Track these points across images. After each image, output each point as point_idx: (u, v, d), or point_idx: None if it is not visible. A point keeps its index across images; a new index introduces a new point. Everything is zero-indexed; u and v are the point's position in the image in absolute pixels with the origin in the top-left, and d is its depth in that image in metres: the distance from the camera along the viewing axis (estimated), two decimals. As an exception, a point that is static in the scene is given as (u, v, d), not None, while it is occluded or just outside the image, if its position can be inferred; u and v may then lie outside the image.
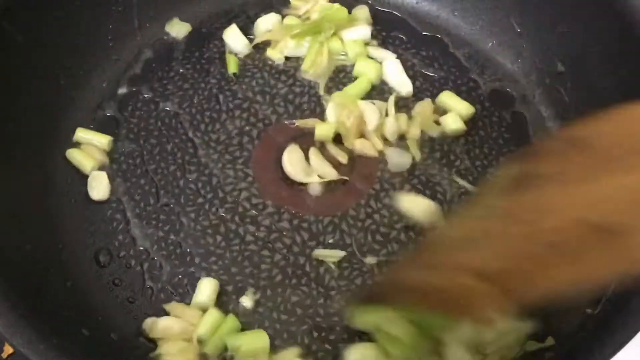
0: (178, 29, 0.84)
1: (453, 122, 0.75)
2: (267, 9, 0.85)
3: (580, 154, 0.42)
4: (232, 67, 0.80)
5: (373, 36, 0.83)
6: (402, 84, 0.79)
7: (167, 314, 0.63)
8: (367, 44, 0.82)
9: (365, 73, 0.79)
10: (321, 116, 0.76)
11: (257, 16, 0.85)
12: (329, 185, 0.71)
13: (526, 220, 0.40)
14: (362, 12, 0.84)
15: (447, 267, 0.43)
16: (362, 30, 0.82)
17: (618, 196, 0.38)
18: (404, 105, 0.78)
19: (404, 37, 0.84)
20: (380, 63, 0.80)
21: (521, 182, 0.43)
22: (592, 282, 0.39)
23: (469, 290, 0.39)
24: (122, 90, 0.79)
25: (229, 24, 0.84)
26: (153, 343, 0.62)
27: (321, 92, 0.78)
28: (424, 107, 0.76)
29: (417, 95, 0.79)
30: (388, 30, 0.85)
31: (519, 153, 0.44)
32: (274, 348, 0.62)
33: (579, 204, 0.39)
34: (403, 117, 0.75)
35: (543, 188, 0.41)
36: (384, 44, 0.83)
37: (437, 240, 0.52)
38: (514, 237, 0.40)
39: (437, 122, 0.76)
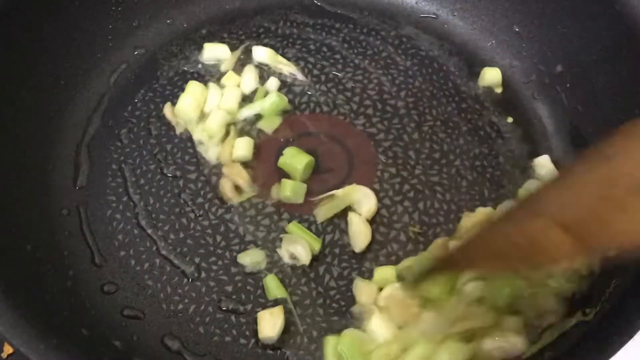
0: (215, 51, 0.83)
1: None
2: None
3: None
4: None
5: (372, 35, 0.84)
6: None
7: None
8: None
9: None
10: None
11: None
12: (329, 185, 0.72)
13: (598, 182, 0.46)
14: None
15: (527, 218, 0.48)
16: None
17: None
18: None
19: (403, 37, 0.85)
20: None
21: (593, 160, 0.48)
22: None
23: (549, 239, 0.45)
24: (123, 91, 0.79)
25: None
26: (154, 344, 0.62)
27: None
28: None
29: (417, 95, 0.79)
30: (388, 30, 0.85)
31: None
32: (274, 347, 0.62)
33: None
34: None
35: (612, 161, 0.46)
36: (383, 43, 0.83)
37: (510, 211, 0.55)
38: (589, 193, 0.46)
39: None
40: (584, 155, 0.50)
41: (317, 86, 0.79)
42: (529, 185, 0.72)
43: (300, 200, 0.70)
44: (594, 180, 0.45)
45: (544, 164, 0.73)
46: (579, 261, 0.49)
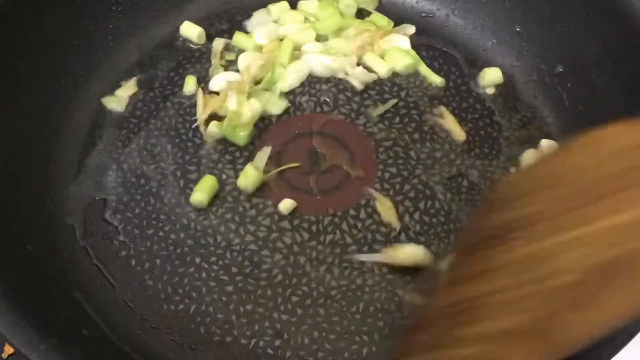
0: (191, 32, 0.83)
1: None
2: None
3: (554, 190, 0.40)
4: None
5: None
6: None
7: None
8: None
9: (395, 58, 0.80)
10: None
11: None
12: (329, 185, 0.72)
13: (530, 271, 0.38)
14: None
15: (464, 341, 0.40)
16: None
17: (613, 231, 0.36)
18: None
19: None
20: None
21: (500, 234, 0.40)
22: (616, 319, 0.37)
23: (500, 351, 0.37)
24: (122, 90, 0.79)
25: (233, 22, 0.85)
26: (154, 345, 0.62)
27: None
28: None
29: (418, 95, 0.79)
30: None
31: (484, 204, 0.41)
32: (274, 347, 0.62)
33: (577, 244, 0.37)
34: None
35: (530, 233, 0.39)
36: (384, 43, 0.83)
37: (436, 314, 0.47)
38: (526, 292, 0.38)
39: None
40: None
41: (317, 86, 0.79)
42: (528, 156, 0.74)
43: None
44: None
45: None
46: None
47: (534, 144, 0.75)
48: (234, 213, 0.70)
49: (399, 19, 0.86)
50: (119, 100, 0.78)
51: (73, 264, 0.66)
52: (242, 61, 0.79)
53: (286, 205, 0.69)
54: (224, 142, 0.74)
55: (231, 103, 0.74)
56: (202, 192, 0.69)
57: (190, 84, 0.78)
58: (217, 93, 0.77)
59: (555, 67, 0.78)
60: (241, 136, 0.74)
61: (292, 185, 0.72)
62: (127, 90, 0.79)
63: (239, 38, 0.82)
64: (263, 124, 0.76)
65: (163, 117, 0.77)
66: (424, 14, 0.87)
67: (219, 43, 0.82)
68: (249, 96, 0.76)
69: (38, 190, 0.69)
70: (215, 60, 0.80)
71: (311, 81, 0.80)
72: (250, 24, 0.85)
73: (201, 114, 0.75)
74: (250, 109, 0.74)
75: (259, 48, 0.81)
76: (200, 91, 0.77)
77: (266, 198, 0.71)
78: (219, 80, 0.78)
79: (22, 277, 0.58)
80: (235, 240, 0.68)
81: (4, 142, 0.66)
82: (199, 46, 0.83)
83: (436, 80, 0.80)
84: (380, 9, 0.86)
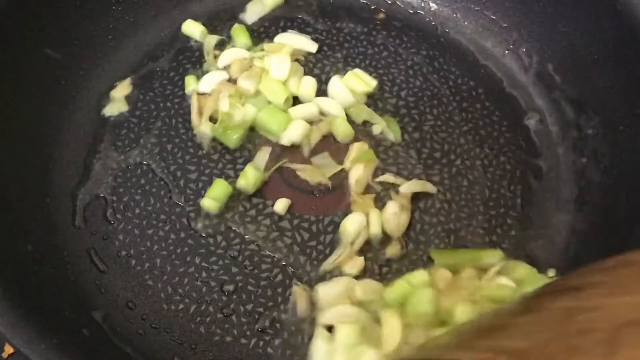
0: (193, 30, 0.83)
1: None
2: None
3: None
4: None
5: (373, 35, 0.84)
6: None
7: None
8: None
9: None
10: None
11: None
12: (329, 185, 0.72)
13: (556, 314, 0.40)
14: None
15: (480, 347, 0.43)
16: None
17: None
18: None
19: (404, 37, 0.84)
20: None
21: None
22: None
23: None
24: (117, 91, 0.79)
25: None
26: (154, 345, 0.62)
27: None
28: None
29: (418, 95, 0.79)
30: (389, 29, 0.85)
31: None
32: (274, 347, 0.62)
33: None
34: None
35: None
36: (384, 42, 0.83)
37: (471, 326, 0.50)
38: (542, 327, 0.40)
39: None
40: (553, 284, 0.46)
41: (317, 86, 0.79)
42: None
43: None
44: (551, 311, 0.40)
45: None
46: None
47: (534, 143, 0.75)
48: (234, 213, 0.70)
49: (399, 19, 0.86)
50: (117, 103, 0.78)
51: (73, 263, 0.66)
52: (225, 59, 0.79)
53: (281, 205, 0.69)
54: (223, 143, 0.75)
55: (222, 104, 0.73)
56: (213, 199, 0.69)
57: (190, 84, 0.78)
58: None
59: (555, 67, 0.78)
60: (232, 139, 0.73)
61: (292, 185, 0.72)
62: (122, 90, 0.79)
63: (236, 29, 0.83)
64: (263, 124, 0.76)
65: (163, 117, 0.77)
66: (424, 14, 0.87)
67: (211, 40, 0.82)
68: (244, 101, 0.75)
69: (38, 190, 0.69)
70: (209, 57, 0.80)
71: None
72: (246, 15, 0.85)
73: (196, 118, 0.74)
74: (242, 113, 0.73)
75: (250, 45, 0.81)
76: (194, 94, 0.76)
77: (266, 198, 0.71)
78: (207, 81, 0.77)
79: (22, 277, 0.58)
80: (235, 240, 0.68)
81: (4, 142, 0.67)
82: (199, 46, 0.83)
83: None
84: (380, 9, 0.86)
